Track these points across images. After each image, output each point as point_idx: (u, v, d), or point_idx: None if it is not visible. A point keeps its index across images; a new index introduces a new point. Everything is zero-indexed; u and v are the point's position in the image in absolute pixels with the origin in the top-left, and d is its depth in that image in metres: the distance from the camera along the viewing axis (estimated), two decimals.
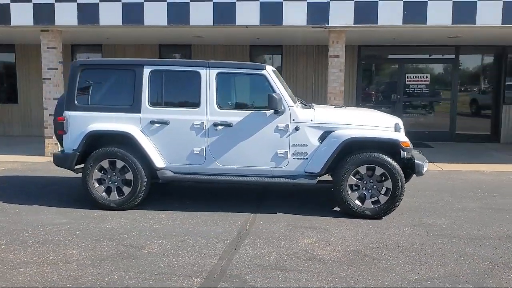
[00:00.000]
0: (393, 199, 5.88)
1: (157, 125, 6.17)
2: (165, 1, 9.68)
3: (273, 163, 6.13)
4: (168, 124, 6.15)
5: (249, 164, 6.15)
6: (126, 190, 6.20)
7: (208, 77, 6.14)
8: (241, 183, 6.29)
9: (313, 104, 6.91)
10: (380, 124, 6.15)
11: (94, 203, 6.25)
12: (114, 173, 6.23)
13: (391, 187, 5.87)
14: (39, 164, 9.66)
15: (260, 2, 9.57)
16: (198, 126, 6.13)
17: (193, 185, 7.70)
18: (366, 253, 4.77)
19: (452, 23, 9.39)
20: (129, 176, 6.18)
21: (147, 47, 14.01)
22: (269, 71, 6.17)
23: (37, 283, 3.99)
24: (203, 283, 4.03)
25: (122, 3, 9.74)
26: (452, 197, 7.18)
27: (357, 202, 5.97)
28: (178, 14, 9.74)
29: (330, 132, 6.04)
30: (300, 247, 4.94)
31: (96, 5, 9.81)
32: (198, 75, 6.17)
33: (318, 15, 9.55)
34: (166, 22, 9.80)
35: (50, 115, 10.61)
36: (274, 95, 5.91)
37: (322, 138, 6.06)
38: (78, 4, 9.82)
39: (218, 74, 6.16)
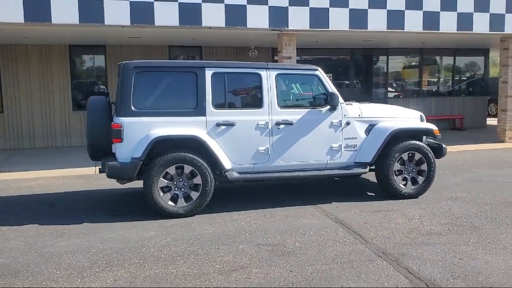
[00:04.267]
0: (428, 179, 6.88)
1: (223, 127, 6.14)
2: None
3: (328, 156, 6.62)
4: (234, 125, 6.17)
5: (307, 159, 6.54)
6: (194, 195, 6.04)
7: (269, 78, 6.34)
8: (301, 177, 6.63)
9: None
10: (410, 116, 7.12)
11: (158, 212, 5.95)
12: (180, 179, 6.01)
13: (426, 170, 6.87)
14: None
15: (225, 5, 9.75)
16: (263, 125, 6.30)
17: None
18: (461, 223, 5.65)
19: (386, 29, 10.92)
20: (197, 180, 6.02)
21: (55, 48, 12.77)
22: (321, 71, 6.63)
23: None
24: (390, 263, 4.44)
25: None
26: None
27: (401, 185, 6.83)
28: (143, 13, 9.34)
29: (374, 125, 6.78)
30: (404, 226, 5.58)
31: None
32: (259, 76, 6.32)
33: (279, 18, 10.15)
34: (129, 21, 9.32)
35: None
36: (334, 93, 6.43)
37: (368, 131, 6.76)
38: None
39: (277, 75, 6.40)
